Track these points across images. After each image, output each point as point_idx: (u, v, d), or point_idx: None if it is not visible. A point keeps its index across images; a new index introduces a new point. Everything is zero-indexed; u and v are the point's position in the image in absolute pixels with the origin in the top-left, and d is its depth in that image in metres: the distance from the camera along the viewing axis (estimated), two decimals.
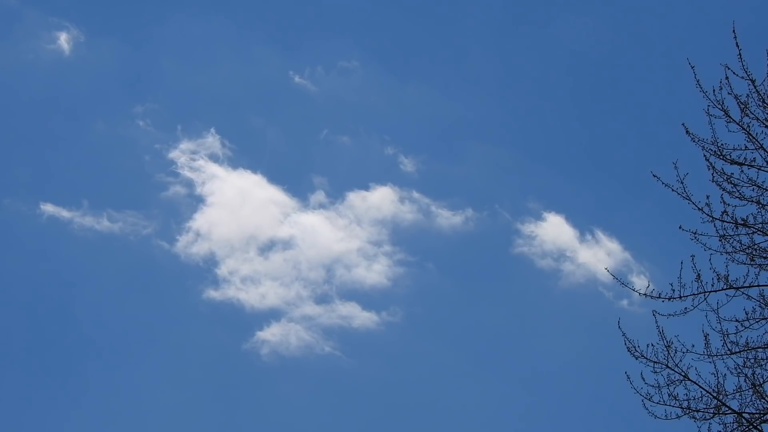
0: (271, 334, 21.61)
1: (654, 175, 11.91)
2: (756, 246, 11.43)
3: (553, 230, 22.21)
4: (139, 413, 21.01)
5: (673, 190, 11.71)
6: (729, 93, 11.74)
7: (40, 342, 21.70)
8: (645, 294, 11.67)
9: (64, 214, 23.00)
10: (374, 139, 25.24)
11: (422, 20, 28.24)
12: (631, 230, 22.50)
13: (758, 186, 11.49)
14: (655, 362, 11.34)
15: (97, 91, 26.67)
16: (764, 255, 11.48)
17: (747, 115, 11.59)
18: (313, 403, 21.93)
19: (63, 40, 25.67)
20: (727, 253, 11.56)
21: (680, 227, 11.73)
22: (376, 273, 22.41)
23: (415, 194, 22.84)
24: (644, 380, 11.37)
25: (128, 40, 27.71)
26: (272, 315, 22.40)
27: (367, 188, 24.01)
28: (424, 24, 28.21)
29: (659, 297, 11.46)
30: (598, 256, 21.92)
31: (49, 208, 23.12)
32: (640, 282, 13.27)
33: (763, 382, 11.11)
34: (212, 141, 23.87)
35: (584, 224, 22.63)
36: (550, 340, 22.75)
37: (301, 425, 21.37)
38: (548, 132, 27.08)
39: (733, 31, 11.80)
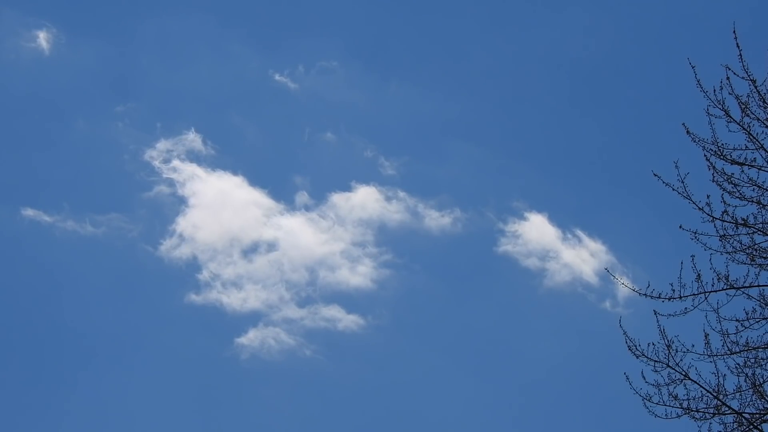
0: (252, 337, 21.58)
1: (655, 175, 11.93)
2: (756, 246, 11.50)
3: (536, 230, 22.31)
4: (123, 415, 21.04)
5: (673, 189, 11.73)
6: (730, 93, 11.81)
7: (24, 347, 21.62)
8: (645, 294, 11.70)
9: (46, 218, 22.83)
10: (357, 139, 25.32)
11: (403, 19, 28.22)
12: (614, 231, 22.58)
13: (759, 186, 11.58)
14: (656, 361, 11.37)
15: (77, 91, 26.35)
16: (765, 255, 11.55)
17: (747, 115, 11.67)
18: (296, 407, 21.87)
19: (42, 38, 25.45)
20: (727, 253, 11.62)
21: (680, 227, 11.77)
22: (360, 275, 22.32)
23: (401, 194, 22.90)
24: (645, 379, 11.43)
25: (108, 38, 27.44)
26: (254, 318, 22.31)
27: (350, 189, 23.94)
28: (405, 22, 28.20)
29: (659, 297, 11.49)
30: (582, 256, 22.14)
31: (29, 212, 22.95)
32: (621, 284, 13.15)
33: (764, 381, 11.18)
34: (193, 140, 23.59)
35: (566, 224, 22.84)
36: (536, 340, 23.13)
37: (282, 429, 21.60)
38: (531, 131, 27.24)
39: (734, 31, 11.86)
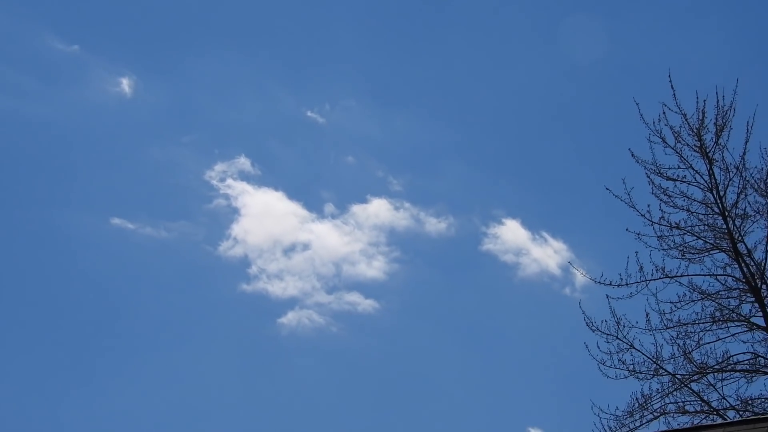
0: (290, 318, 26.01)
1: (607, 188, 14.13)
2: (686, 244, 13.82)
3: (511, 232, 26.40)
4: (190, 380, 25.84)
5: (621, 200, 13.75)
6: (666, 124, 14.02)
7: (113, 326, 26.30)
8: (599, 282, 13.82)
9: (129, 225, 27.37)
10: (371, 161, 29.76)
11: (406, 63, 32.82)
12: (573, 233, 26.92)
13: (688, 197, 13.86)
14: (607, 335, 13.42)
15: (153, 125, 31.26)
16: (692, 251, 13.84)
17: (679, 142, 13.82)
18: (324, 372, 26.93)
19: (125, 84, 29.51)
20: (663, 249, 13.88)
21: (627, 229, 13.96)
22: (375, 269, 26.71)
23: (406, 204, 26.98)
24: (599, 349, 13.70)
25: (175, 81, 32.15)
26: (292, 303, 27.14)
27: (366, 201, 28.56)
28: (407, 67, 32.80)
29: (610, 284, 13.56)
30: (548, 253, 26.15)
31: (117, 221, 27.38)
32: (580, 275, 15.71)
33: (692, 350, 13.48)
34: (243, 163, 28.02)
35: (535, 227, 27.29)
36: (513, 318, 27.63)
37: (313, 390, 26.22)
38: (508, 153, 31.78)
39: (669, 77, 14.28)
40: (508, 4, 34.32)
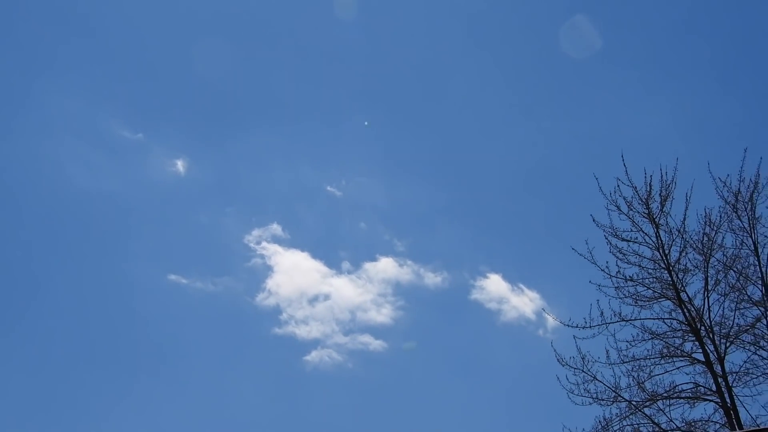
0: (314, 356, 30.76)
1: (572, 249, 17.00)
2: (638, 294, 16.17)
3: (494, 284, 29.84)
4: (233, 407, 29.58)
5: (585, 258, 16.29)
6: (620, 195, 16.58)
7: (167, 362, 31.65)
8: (567, 324, 16.33)
9: (183, 280, 32.83)
10: (379, 227, 34.49)
11: (405, 141, 37.21)
12: (545, 284, 30.87)
13: (639, 255, 16.29)
14: (575, 368, 15.80)
15: (203, 197, 37.14)
16: (644, 299, 16.23)
17: (632, 210, 16.44)
18: (342, 401, 31.17)
19: (180, 164, 35.59)
20: (619, 298, 16.22)
21: (590, 281, 16.74)
22: (383, 315, 31.56)
23: (408, 262, 30.78)
24: (568, 380, 16.02)
25: (219, 161, 37.94)
26: (315, 344, 31.67)
27: (376, 259, 33.28)
28: (406, 143, 37.25)
29: (576, 326, 16.02)
30: (524, 301, 29.87)
31: (173, 277, 32.78)
32: (551, 319, 18.41)
33: (644, 381, 15.62)
34: (275, 229, 33.17)
35: (513, 280, 30.86)
36: (497, 356, 31.82)
37: (333, 416, 29.73)
38: (492, 216, 35.65)
39: (622, 157, 16.79)
40: (487, 89, 38.66)
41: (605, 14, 37.20)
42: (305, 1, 38.96)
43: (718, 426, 15.40)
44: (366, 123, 35.50)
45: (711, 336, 15.89)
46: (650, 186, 16.66)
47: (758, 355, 15.84)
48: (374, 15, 39.22)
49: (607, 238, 16.74)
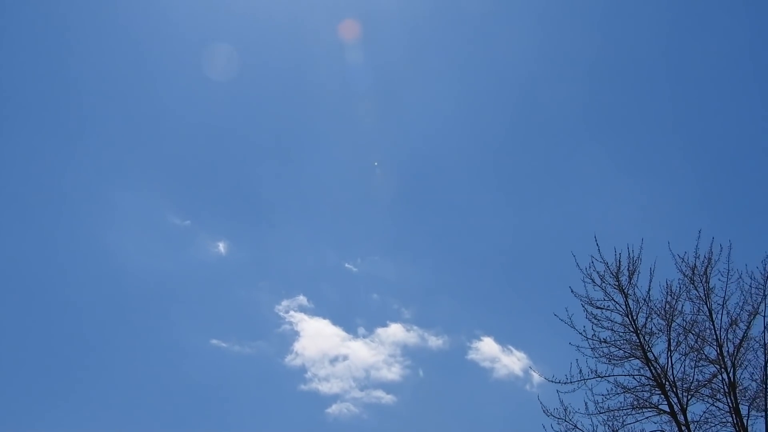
0: (335, 408, 35.53)
1: (555, 315, 19.54)
2: (611, 353, 18.55)
3: (488, 346, 33.02)
4: None
5: (565, 323, 18.70)
6: (594, 270, 19.11)
7: (211, 415, 36.15)
8: (551, 380, 18.65)
9: (223, 344, 38.16)
10: (389, 298, 39.46)
11: (410, 227, 41.22)
12: (531, 346, 34.05)
13: (611, 320, 18.73)
14: (558, 418, 18.01)
15: (239, 274, 43.10)
16: (616, 358, 18.68)
17: (604, 282, 19.03)
18: None
19: (221, 246, 41.83)
20: (595, 357, 18.57)
21: (570, 343, 19.26)
22: (393, 373, 36.49)
23: (414, 327, 34.80)
24: (553, 429, 18.55)
25: (254, 244, 44.68)
26: (335, 398, 36.41)
27: (387, 325, 38.47)
28: (411, 229, 41.24)
29: (559, 382, 18.29)
30: (513, 360, 33.59)
31: (215, 341, 38.09)
32: (537, 376, 20.90)
33: (618, 429, 17.90)
34: (301, 300, 38.32)
35: (504, 342, 34.98)
36: (490, 408, 36.45)
37: None
38: (484, 291, 39.32)
39: (595, 238, 19.60)
40: (482, 182, 42.86)
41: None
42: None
43: None
44: (375, 163, 39.29)
45: (674, 390, 18.35)
46: (619, 262, 19.37)
47: (716, 407, 18.30)
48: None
49: (583, 306, 19.31)
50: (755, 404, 18.12)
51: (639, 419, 18.44)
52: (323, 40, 42.13)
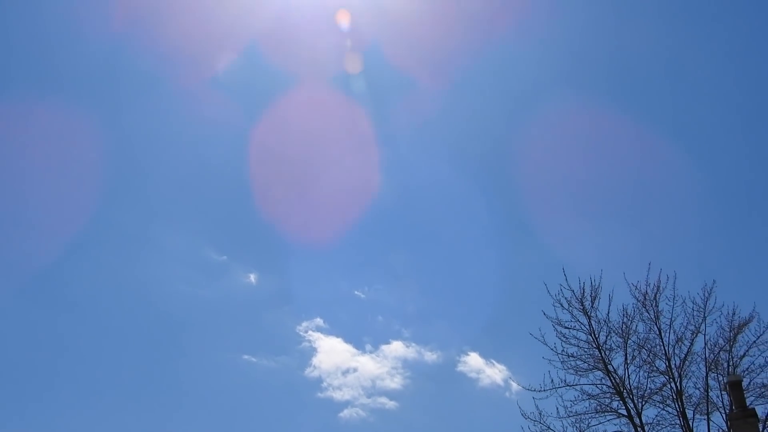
0: (346, 413, 40.57)
1: (530, 334, 22.71)
2: (578, 366, 21.33)
3: (474, 360, 38.02)
4: None
5: (538, 340, 21.79)
6: (563, 296, 22.06)
7: (245, 417, 42.11)
8: (527, 389, 21.68)
9: (253, 359, 44.48)
10: (392, 320, 47.05)
11: (412, 258, 46.79)
12: (510, 359, 39.96)
13: (577, 338, 21.59)
14: (534, 420, 20.74)
15: (267, 300, 49.36)
16: (582, 370, 21.26)
17: (571, 306, 22.11)
18: None
19: (252, 277, 48.14)
20: (565, 369, 21.35)
21: (543, 357, 22.36)
22: (395, 383, 41.58)
23: (413, 344, 41.55)
24: (529, 429, 21.05)
25: (279, 275, 50.61)
26: (346, 404, 41.43)
27: (389, 342, 43.70)
28: (413, 259, 47.19)
29: (535, 390, 21.14)
30: (495, 372, 39.73)
31: (246, 357, 44.35)
32: (515, 385, 24.02)
33: (584, 430, 20.74)
34: (318, 321, 43.49)
35: (487, 357, 41.36)
36: (476, 412, 41.33)
37: None
38: (471, 315, 44.52)
39: (563, 270, 22.96)
40: (471, 221, 47.87)
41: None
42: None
43: None
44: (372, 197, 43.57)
45: (631, 397, 21.49)
46: (583, 290, 22.43)
47: (666, 411, 21.48)
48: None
49: (554, 327, 22.35)
50: (699, 409, 21.34)
51: (602, 421, 21.44)
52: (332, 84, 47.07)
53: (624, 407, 21.39)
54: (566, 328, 22.41)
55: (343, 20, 46.29)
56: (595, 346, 22.05)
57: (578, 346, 22.21)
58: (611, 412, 21.61)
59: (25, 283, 47.53)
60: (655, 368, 21.82)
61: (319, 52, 48.76)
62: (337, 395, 41.42)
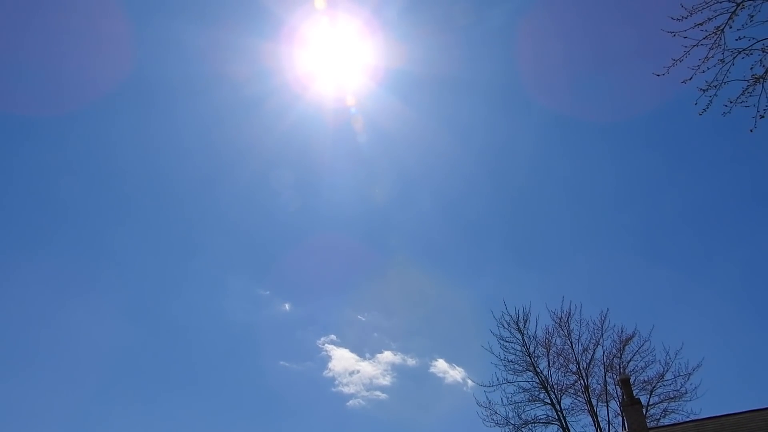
0: (352, 402, 50.61)
1: (482, 346, 30.75)
2: (515, 368, 28.87)
3: (441, 364, 49.80)
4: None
5: (488, 350, 30.34)
6: (504, 319, 30.28)
7: (282, 409, 55.50)
8: (480, 384, 29.65)
9: (285, 364, 54.61)
10: (383, 335, 55.34)
11: (395, 291, 58.55)
12: (467, 363, 49.28)
13: (515, 349, 29.21)
14: (485, 408, 28.48)
15: (297, 323, 59.31)
16: (518, 371, 29.37)
17: (510, 326, 30.07)
18: (367, 427, 50.89)
19: (286, 305, 57.88)
20: (507, 371, 28.82)
21: (491, 362, 30.55)
22: (386, 381, 51.23)
23: (398, 353, 51.77)
24: (482, 414, 29.10)
25: (304, 304, 60.68)
26: (352, 396, 50.92)
27: (382, 352, 53.07)
28: (396, 291, 58.51)
29: (486, 386, 28.78)
30: (455, 372, 50.31)
31: (282, 363, 55.17)
32: (471, 382, 32.21)
33: (521, 414, 28.67)
34: (332, 337, 53.00)
35: (451, 361, 51.10)
36: (443, 402, 50.69)
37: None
38: (440, 330, 56.95)
39: (504, 301, 31.85)
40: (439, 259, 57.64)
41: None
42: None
43: None
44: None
45: (553, 390, 29.51)
46: (518, 314, 30.68)
47: (578, 400, 29.78)
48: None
49: (498, 341, 30.41)
50: (601, 398, 29.69)
51: (533, 408, 29.37)
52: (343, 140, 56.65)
53: (548, 398, 29.35)
54: (506, 341, 30.31)
55: None
56: (527, 354, 29.95)
57: (515, 354, 30.06)
58: (539, 401, 29.53)
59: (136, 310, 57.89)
60: (569, 370, 29.93)
61: None
62: (346, 390, 53.40)
